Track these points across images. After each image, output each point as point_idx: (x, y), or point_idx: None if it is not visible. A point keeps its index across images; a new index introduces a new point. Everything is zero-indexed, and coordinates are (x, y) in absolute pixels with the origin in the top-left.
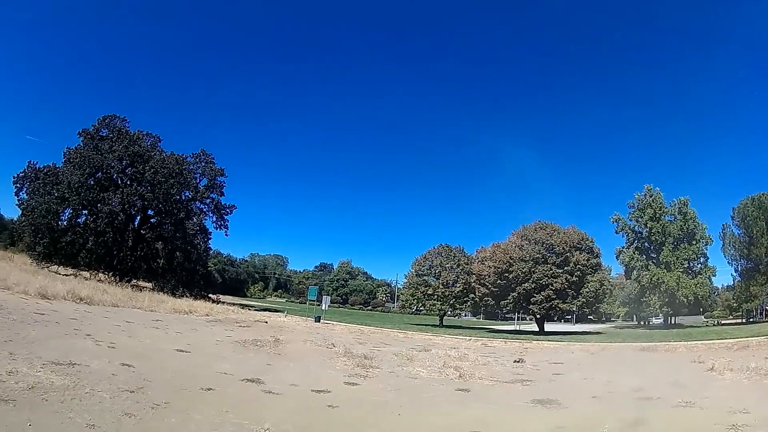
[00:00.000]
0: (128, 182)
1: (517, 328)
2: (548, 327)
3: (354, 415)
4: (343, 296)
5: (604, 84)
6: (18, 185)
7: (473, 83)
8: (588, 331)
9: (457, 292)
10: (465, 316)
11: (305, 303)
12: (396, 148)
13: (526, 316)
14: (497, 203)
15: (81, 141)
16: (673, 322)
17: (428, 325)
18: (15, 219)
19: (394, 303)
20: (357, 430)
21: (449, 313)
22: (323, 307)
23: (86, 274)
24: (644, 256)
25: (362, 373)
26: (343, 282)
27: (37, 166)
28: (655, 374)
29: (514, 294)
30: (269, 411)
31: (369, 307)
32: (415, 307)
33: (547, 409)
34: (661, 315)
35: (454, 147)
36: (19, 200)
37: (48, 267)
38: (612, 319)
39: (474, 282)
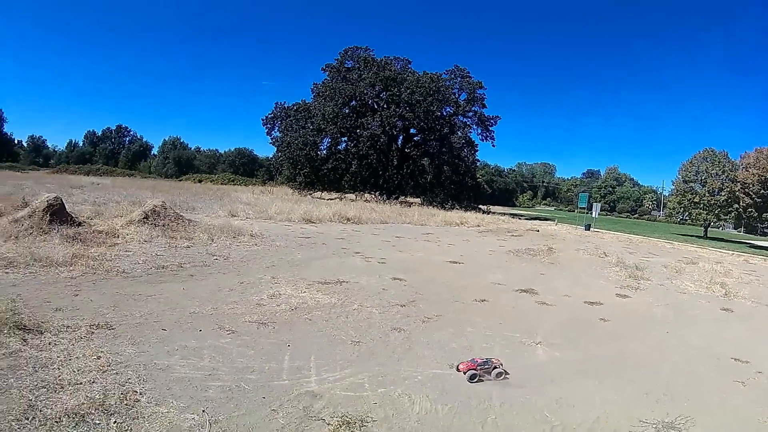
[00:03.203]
0: (385, 106)
1: None
2: None
3: (623, 329)
4: (610, 203)
5: None
6: (269, 125)
7: None
8: None
9: (722, 201)
10: (726, 228)
11: (573, 211)
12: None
13: None
14: None
15: (327, 75)
16: None
17: (692, 236)
18: (269, 156)
19: (660, 211)
20: (625, 345)
21: (712, 224)
22: (593, 215)
23: (351, 196)
24: None
25: (633, 284)
26: (610, 189)
27: (285, 105)
28: None
29: None
30: (541, 323)
31: (635, 215)
32: (680, 217)
33: None
34: None
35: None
36: (272, 138)
37: (311, 194)
38: None
39: (738, 191)
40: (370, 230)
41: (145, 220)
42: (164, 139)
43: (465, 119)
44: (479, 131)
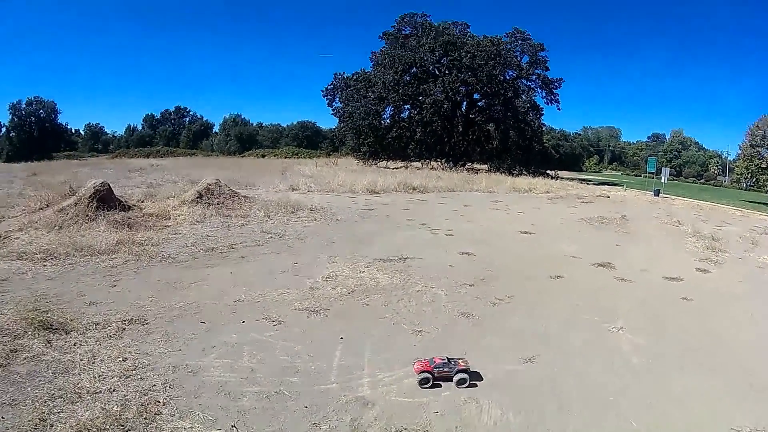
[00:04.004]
0: (446, 71)
1: None
2: None
3: (707, 310)
4: (676, 168)
5: None
6: (329, 97)
7: None
8: None
9: None
10: None
11: (640, 176)
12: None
13: None
14: None
15: (384, 43)
16: None
17: (760, 203)
18: (333, 128)
19: (725, 176)
20: (710, 331)
21: None
22: (662, 180)
23: (417, 164)
24: None
25: (712, 257)
26: (676, 153)
27: (344, 75)
28: None
29: None
30: (621, 302)
31: (701, 180)
32: (746, 183)
33: None
34: None
35: None
36: (333, 109)
37: (376, 164)
38: None
39: None
40: (436, 199)
41: (198, 199)
42: (225, 117)
43: (528, 83)
44: (543, 95)
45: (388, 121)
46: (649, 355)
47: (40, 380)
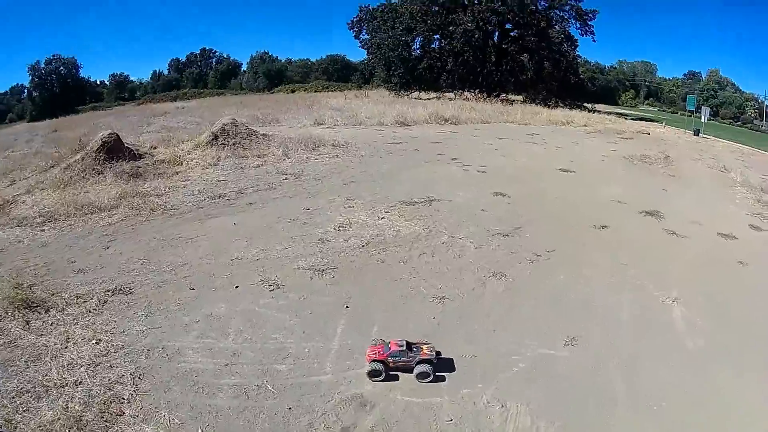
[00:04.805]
0: (476, 1)
1: None
2: None
3: (766, 279)
4: (713, 108)
5: None
6: (355, 29)
7: None
8: None
9: None
10: None
11: (677, 113)
12: None
13: None
14: None
15: None
16: None
17: None
18: (363, 60)
19: (762, 121)
20: None
21: None
22: (702, 120)
23: (450, 95)
24: None
25: (764, 212)
26: (712, 93)
27: (369, 7)
28: None
29: None
30: (673, 263)
31: (738, 123)
32: None
33: None
34: None
35: None
36: (361, 42)
37: (407, 95)
38: None
39: None
40: (469, 132)
41: (213, 141)
42: (252, 55)
43: (562, 13)
44: (578, 26)
45: (418, 51)
46: (705, 337)
47: (13, 370)
